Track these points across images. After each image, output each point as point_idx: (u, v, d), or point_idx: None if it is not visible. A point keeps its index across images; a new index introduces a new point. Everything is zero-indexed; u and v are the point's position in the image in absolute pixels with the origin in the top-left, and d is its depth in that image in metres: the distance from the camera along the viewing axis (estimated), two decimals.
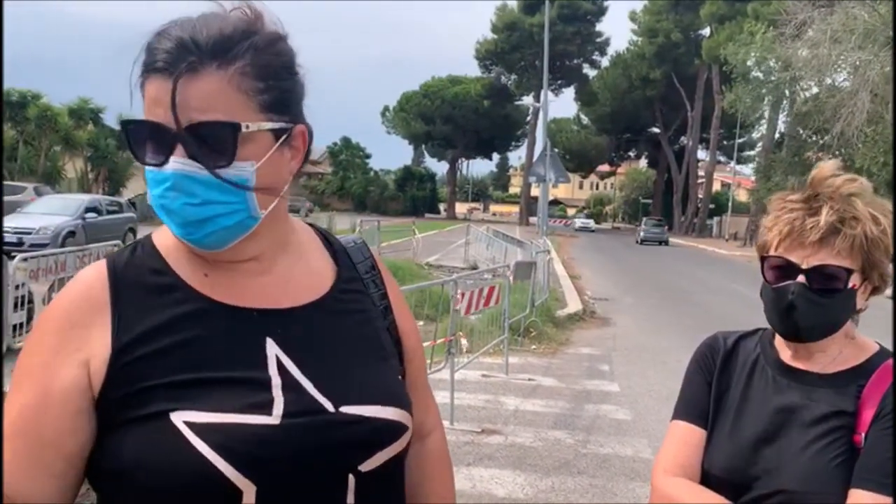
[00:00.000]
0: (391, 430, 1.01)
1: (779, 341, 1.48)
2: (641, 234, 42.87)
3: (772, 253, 1.39)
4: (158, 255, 1.02)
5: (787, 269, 1.37)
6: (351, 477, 0.97)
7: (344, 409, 0.97)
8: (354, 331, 1.07)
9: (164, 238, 1.03)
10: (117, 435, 0.92)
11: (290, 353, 0.99)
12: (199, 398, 0.92)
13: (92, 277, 0.99)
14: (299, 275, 1.07)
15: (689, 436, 1.46)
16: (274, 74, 0.97)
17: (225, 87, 0.93)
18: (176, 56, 0.92)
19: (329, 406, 0.97)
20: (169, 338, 0.95)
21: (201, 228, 0.95)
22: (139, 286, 0.98)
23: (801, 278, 1.34)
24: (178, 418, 0.90)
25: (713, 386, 1.49)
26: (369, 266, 1.16)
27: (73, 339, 0.94)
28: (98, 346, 0.94)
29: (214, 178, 0.93)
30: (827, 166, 1.40)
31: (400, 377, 1.12)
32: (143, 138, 0.94)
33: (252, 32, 0.96)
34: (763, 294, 1.43)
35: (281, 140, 0.98)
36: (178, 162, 0.92)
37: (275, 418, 0.93)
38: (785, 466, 1.35)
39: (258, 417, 0.92)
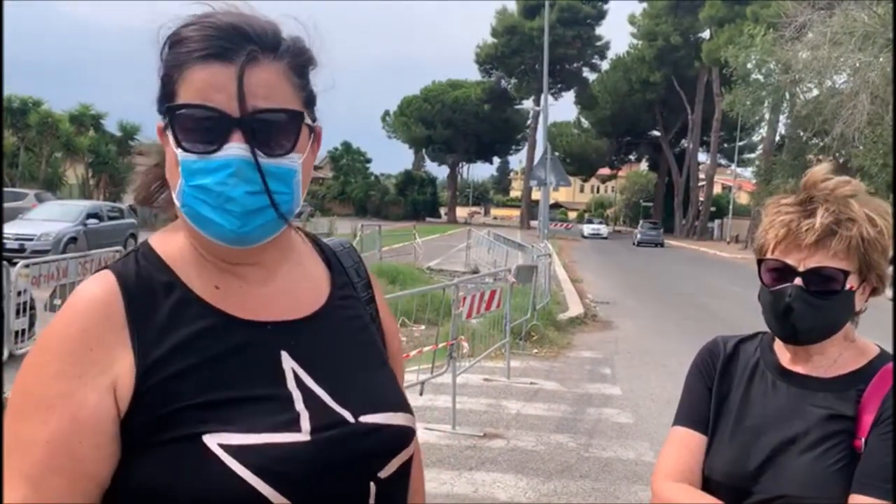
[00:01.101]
0: (404, 436, 1.03)
1: (778, 345, 1.48)
2: (638, 236, 44.90)
3: (768, 256, 1.39)
4: (165, 266, 0.99)
5: (783, 272, 1.37)
6: (372, 484, 0.98)
7: (363, 418, 0.98)
8: (356, 337, 1.08)
9: (166, 246, 1.01)
10: (146, 457, 0.90)
11: (304, 366, 0.99)
12: (229, 419, 0.91)
13: (104, 294, 0.93)
14: (300, 282, 1.07)
15: (690, 441, 1.46)
16: (307, 73, 1.00)
17: (281, 79, 0.94)
18: (234, 43, 0.91)
19: (349, 417, 0.97)
20: (191, 357, 0.93)
21: (255, 219, 0.93)
22: (154, 302, 0.95)
23: (797, 281, 1.35)
24: (212, 441, 0.89)
25: (713, 391, 1.49)
26: (359, 270, 1.17)
27: (95, 361, 0.89)
28: (122, 368, 0.90)
29: (275, 166, 0.93)
30: (819, 169, 1.41)
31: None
32: (193, 125, 0.91)
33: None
34: (761, 297, 1.43)
35: (311, 138, 1.01)
36: (240, 148, 0.90)
37: (304, 434, 0.93)
38: (785, 471, 1.35)
39: (290, 436, 0.92)
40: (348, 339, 1.07)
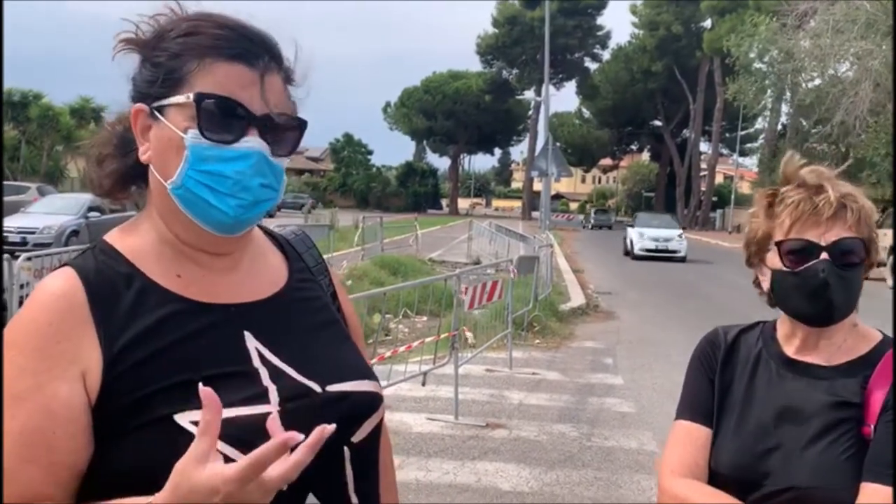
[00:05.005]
0: (372, 401, 1.08)
1: (781, 334, 1.46)
2: (592, 220, 54.00)
3: (786, 237, 1.37)
4: (124, 259, 1.01)
5: (805, 251, 1.35)
6: (346, 449, 1.03)
7: (330, 388, 1.03)
8: (317, 316, 1.13)
9: (124, 241, 1.04)
10: (121, 444, 0.92)
11: (267, 344, 1.03)
12: (197, 398, 0.91)
13: (66, 288, 0.95)
14: (261, 269, 1.11)
15: (694, 435, 1.43)
16: (290, 83, 1.07)
17: (284, 89, 1.04)
18: (259, 49, 1.00)
19: (316, 387, 1.02)
20: (156, 342, 0.95)
21: (257, 209, 1.00)
22: (116, 293, 0.97)
23: (824, 255, 1.33)
24: (184, 419, 0.91)
25: (716, 383, 1.46)
26: (314, 255, 1.22)
27: (63, 353, 0.92)
28: (90, 358, 0.93)
29: (278, 165, 1.00)
30: (793, 159, 1.42)
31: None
32: (216, 115, 0.96)
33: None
34: (778, 284, 1.40)
35: None
36: (259, 142, 0.97)
37: (274, 406, 0.97)
38: (794, 462, 1.33)
39: (260, 407, 0.95)
40: (310, 317, 1.11)
